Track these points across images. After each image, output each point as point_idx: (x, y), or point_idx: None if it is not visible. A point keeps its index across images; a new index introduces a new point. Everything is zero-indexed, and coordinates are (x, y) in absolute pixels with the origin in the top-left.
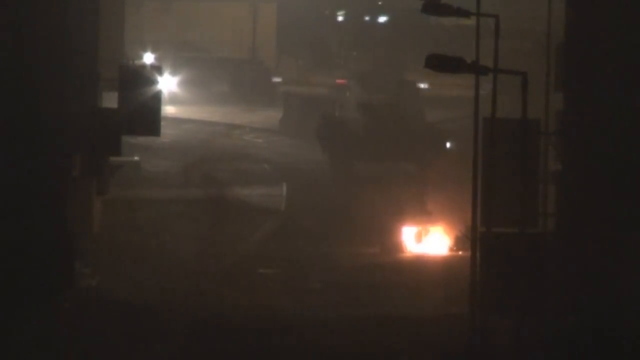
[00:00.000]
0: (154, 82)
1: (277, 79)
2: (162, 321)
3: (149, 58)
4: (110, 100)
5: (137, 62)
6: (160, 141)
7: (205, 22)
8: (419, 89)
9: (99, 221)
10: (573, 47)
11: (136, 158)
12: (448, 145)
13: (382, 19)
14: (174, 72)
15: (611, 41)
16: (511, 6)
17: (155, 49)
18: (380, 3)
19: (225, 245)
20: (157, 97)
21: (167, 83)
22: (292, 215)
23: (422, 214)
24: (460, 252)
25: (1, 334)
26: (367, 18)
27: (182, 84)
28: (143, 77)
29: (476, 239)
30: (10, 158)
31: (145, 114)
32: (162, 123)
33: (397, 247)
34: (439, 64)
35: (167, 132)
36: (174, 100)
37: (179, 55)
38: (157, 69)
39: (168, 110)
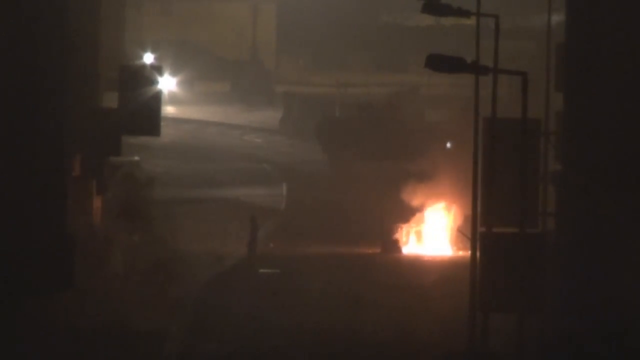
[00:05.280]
0: (154, 82)
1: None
2: (161, 322)
3: (149, 58)
4: (110, 100)
5: (137, 62)
6: (160, 141)
7: (205, 22)
8: (419, 89)
9: (99, 221)
10: (573, 47)
11: (136, 158)
12: (448, 145)
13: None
14: (173, 73)
15: (611, 41)
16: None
17: (155, 49)
18: None
19: (225, 245)
20: (157, 97)
21: (167, 83)
22: (292, 215)
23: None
24: (460, 252)
25: (0, 334)
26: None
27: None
28: (143, 77)
29: (476, 239)
30: (10, 158)
31: (145, 114)
32: (162, 123)
33: (397, 247)
34: (439, 64)
35: (167, 132)
36: (174, 100)
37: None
38: (157, 69)
39: (168, 110)
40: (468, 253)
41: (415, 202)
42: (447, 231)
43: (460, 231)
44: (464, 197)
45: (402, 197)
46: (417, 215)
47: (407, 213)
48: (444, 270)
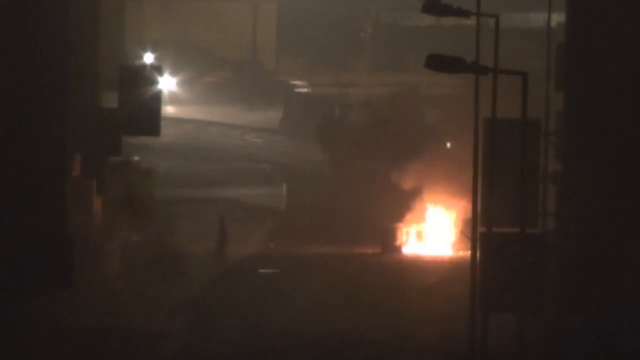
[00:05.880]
0: (154, 82)
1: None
2: (161, 321)
3: (149, 58)
4: (110, 100)
5: (137, 62)
6: (160, 141)
7: (205, 22)
8: (418, 89)
9: (99, 221)
10: (573, 47)
11: (136, 158)
12: (448, 145)
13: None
14: (173, 73)
15: (611, 41)
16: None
17: (155, 49)
18: None
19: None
20: (157, 97)
21: (167, 83)
22: (292, 215)
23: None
24: (460, 252)
25: (0, 334)
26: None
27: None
28: (143, 77)
29: (476, 239)
30: (10, 158)
31: (145, 114)
32: (162, 123)
33: (396, 247)
34: (439, 64)
35: (167, 132)
36: (174, 100)
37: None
38: (157, 69)
39: (168, 110)
40: (468, 253)
41: (414, 201)
42: (448, 231)
43: (461, 232)
44: (464, 197)
45: (401, 197)
46: (417, 215)
47: (406, 213)
48: (444, 270)
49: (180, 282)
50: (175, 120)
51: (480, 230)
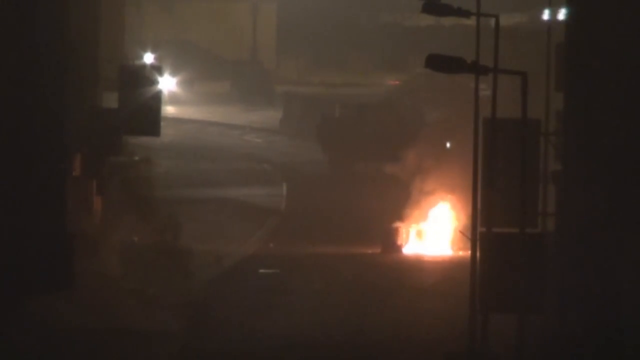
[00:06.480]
0: (154, 82)
1: None
2: (160, 321)
3: (149, 58)
4: (110, 100)
5: (137, 62)
6: (160, 141)
7: (205, 22)
8: (419, 89)
9: (99, 221)
10: (573, 47)
11: (136, 158)
12: (448, 145)
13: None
14: (173, 73)
15: (611, 41)
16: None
17: (156, 49)
18: None
19: (225, 245)
20: (157, 97)
21: (167, 83)
22: (292, 215)
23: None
24: (460, 252)
25: (0, 334)
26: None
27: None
28: (143, 77)
29: (476, 239)
30: (11, 158)
31: (145, 114)
32: (162, 123)
33: (397, 247)
34: (439, 64)
35: (167, 132)
36: (174, 100)
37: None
38: (157, 69)
39: (168, 110)
40: (468, 253)
41: (414, 201)
42: (448, 231)
43: (461, 232)
44: (464, 197)
45: (401, 197)
46: (417, 214)
47: (405, 212)
48: (444, 270)
49: (180, 282)
50: (175, 120)
51: (480, 230)
